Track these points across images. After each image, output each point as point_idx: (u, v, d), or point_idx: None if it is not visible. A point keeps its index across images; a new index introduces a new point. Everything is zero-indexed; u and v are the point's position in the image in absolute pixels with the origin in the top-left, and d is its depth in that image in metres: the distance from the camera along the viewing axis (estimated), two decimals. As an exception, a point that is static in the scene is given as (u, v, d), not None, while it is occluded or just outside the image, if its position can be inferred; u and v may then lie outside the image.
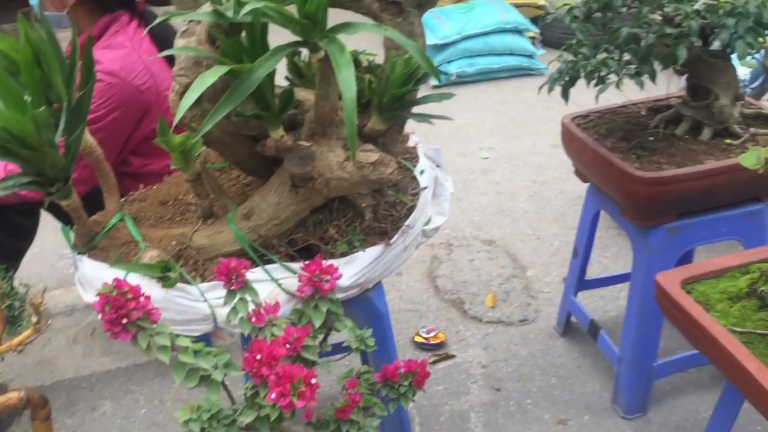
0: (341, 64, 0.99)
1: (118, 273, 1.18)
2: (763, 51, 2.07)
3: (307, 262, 1.11)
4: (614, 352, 1.98)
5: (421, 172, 1.51)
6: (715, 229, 1.77)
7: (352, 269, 1.29)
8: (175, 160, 1.25)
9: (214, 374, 0.95)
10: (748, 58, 1.54)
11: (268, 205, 1.25)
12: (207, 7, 1.06)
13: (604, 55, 1.66)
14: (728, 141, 1.69)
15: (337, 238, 1.31)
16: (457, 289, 2.47)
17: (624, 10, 1.69)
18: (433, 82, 3.87)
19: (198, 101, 1.08)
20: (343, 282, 1.25)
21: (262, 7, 0.97)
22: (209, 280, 1.22)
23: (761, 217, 1.78)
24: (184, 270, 1.23)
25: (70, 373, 2.20)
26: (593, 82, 1.65)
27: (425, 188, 1.48)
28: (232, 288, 1.02)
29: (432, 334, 2.24)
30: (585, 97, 1.67)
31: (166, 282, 1.16)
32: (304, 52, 1.28)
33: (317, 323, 1.09)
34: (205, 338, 1.38)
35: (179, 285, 1.20)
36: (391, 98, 1.27)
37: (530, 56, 4.07)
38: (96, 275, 1.24)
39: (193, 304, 1.20)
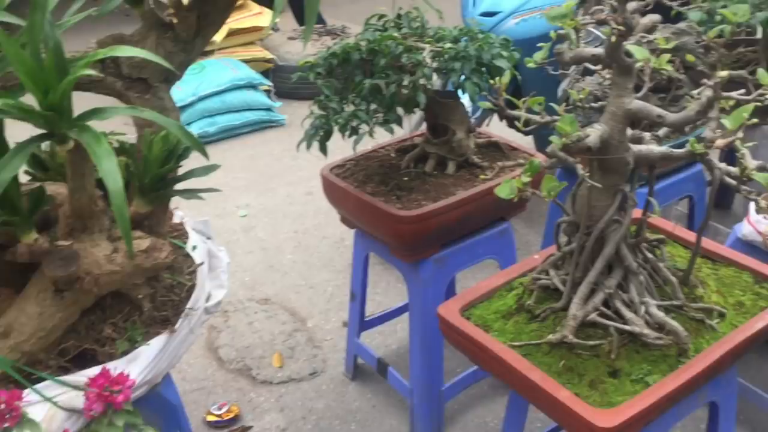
0: (100, 155, 0.91)
1: None
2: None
3: (93, 376, 0.99)
4: (405, 386, 2.05)
5: (194, 248, 1.45)
6: (474, 252, 1.92)
7: (137, 367, 1.19)
8: None
9: None
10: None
11: (29, 318, 1.11)
12: None
13: (353, 107, 1.73)
14: (483, 176, 1.83)
15: (115, 336, 1.20)
16: (241, 356, 2.39)
17: (362, 63, 1.78)
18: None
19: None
20: (131, 384, 1.14)
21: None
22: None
23: (508, 233, 1.98)
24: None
25: None
26: (347, 133, 1.71)
27: (201, 263, 1.42)
28: (7, 426, 0.88)
29: (224, 410, 2.14)
30: (332, 145, 1.73)
31: None
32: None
33: (114, 440, 0.98)
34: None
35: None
36: (152, 179, 1.20)
37: (268, 109, 4.13)
38: None
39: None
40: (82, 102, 1.05)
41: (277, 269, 2.84)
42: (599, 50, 1.31)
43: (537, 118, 1.30)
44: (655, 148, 1.36)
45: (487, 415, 2.14)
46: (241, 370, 2.33)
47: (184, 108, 3.89)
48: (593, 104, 1.60)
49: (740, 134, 1.14)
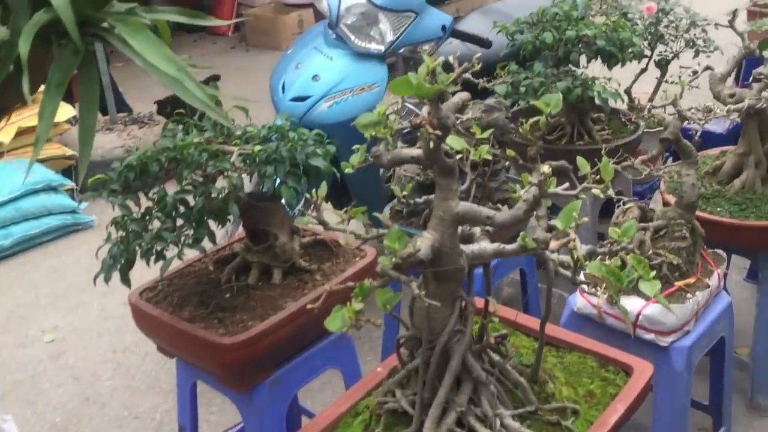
0: None
1: None
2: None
3: None
4: None
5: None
6: (312, 366, 1.76)
7: None
8: None
9: None
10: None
11: None
12: None
13: (158, 225, 1.53)
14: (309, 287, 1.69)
15: None
16: None
17: (163, 174, 1.59)
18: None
19: None
20: None
21: None
22: None
23: (347, 339, 1.83)
24: None
25: None
26: (153, 258, 1.50)
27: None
28: None
29: None
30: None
31: None
32: None
33: None
34: None
35: None
36: None
37: (73, 212, 3.75)
38: None
39: None
40: None
41: (95, 401, 2.49)
42: (418, 151, 1.23)
43: (362, 233, 1.18)
44: (488, 247, 1.29)
45: None
46: None
47: (-31, 222, 3.44)
48: (417, 200, 1.52)
49: (573, 235, 1.09)
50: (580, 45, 2.34)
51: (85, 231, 3.82)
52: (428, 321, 1.24)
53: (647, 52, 2.87)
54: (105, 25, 1.01)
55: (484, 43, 2.69)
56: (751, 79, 2.05)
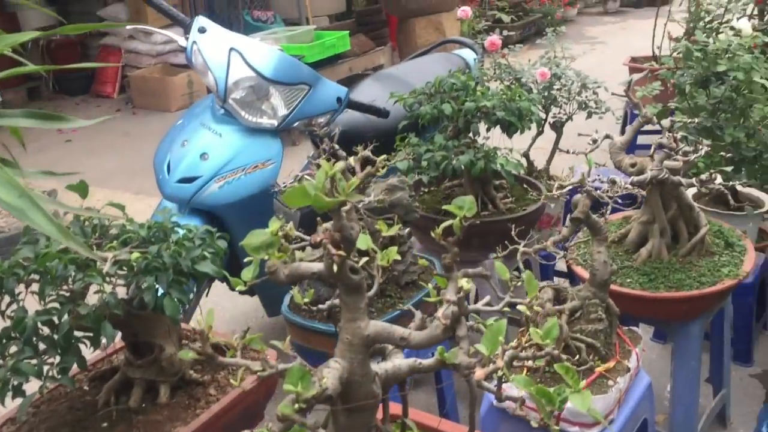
0: None
1: None
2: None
3: None
4: None
5: None
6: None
7: None
8: None
9: None
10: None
11: None
12: None
13: (16, 351, 1.30)
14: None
15: None
16: None
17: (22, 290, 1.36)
18: None
19: None
20: None
21: None
22: None
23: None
24: None
25: None
26: (9, 394, 1.27)
27: None
28: None
29: None
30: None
31: None
32: None
33: None
34: None
35: None
36: None
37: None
38: None
39: None
40: None
41: None
42: (319, 266, 1.08)
43: (258, 367, 1.01)
44: (402, 364, 1.15)
45: None
46: None
47: None
48: (320, 305, 1.36)
49: (501, 363, 0.96)
50: (479, 115, 2.28)
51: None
52: (341, 460, 1.08)
53: (542, 115, 2.87)
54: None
55: (382, 113, 2.60)
56: (652, 150, 2.04)
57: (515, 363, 1.11)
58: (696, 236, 2.15)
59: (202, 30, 2.34)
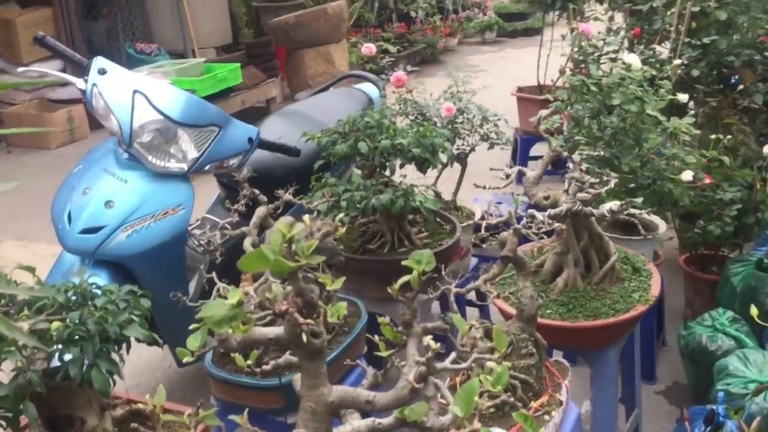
0: None
1: None
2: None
3: None
4: None
5: None
6: None
7: None
8: None
9: None
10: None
11: None
12: None
13: None
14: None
15: None
16: None
17: None
18: None
19: None
20: None
21: None
22: None
23: None
24: None
25: None
26: None
27: None
28: None
29: None
30: None
31: None
32: None
33: None
34: None
35: None
36: None
37: None
38: None
39: None
40: None
41: None
42: (277, 331, 1.02)
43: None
44: (361, 425, 1.10)
45: None
46: None
47: None
48: (264, 366, 1.29)
49: (477, 425, 0.94)
50: (395, 152, 2.28)
51: None
52: None
53: (454, 150, 2.92)
54: None
55: (293, 152, 2.55)
56: (566, 184, 2.11)
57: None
58: (607, 264, 2.24)
59: (102, 71, 2.21)
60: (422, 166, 2.40)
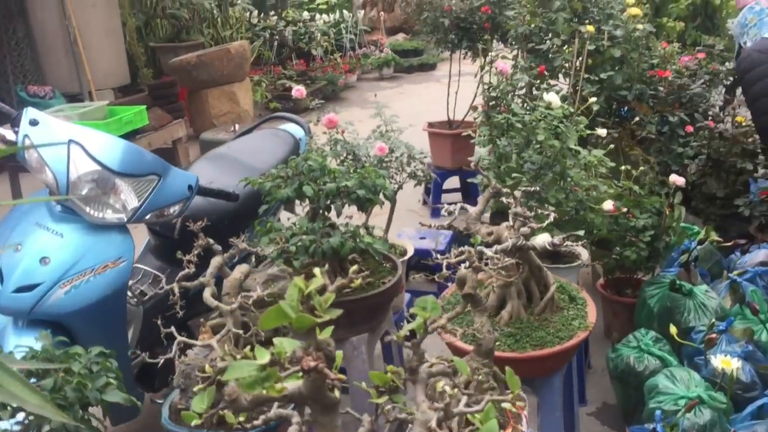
0: None
1: None
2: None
3: None
4: None
5: None
6: None
7: None
8: None
9: None
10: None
11: None
12: None
13: None
14: None
15: None
16: None
17: None
18: None
19: None
20: None
21: None
22: None
23: None
24: None
25: None
26: None
27: None
28: None
29: None
30: None
31: None
32: None
33: None
34: None
35: None
36: None
37: None
38: None
39: None
40: None
41: None
42: (295, 385, 1.01)
43: None
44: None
45: None
46: None
47: None
48: (255, 422, 1.26)
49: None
50: (340, 195, 2.30)
51: None
52: None
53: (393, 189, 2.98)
54: None
55: (231, 197, 2.52)
56: (511, 220, 2.19)
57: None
58: (547, 294, 2.34)
59: (33, 123, 2.11)
60: (363, 206, 2.43)
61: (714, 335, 2.68)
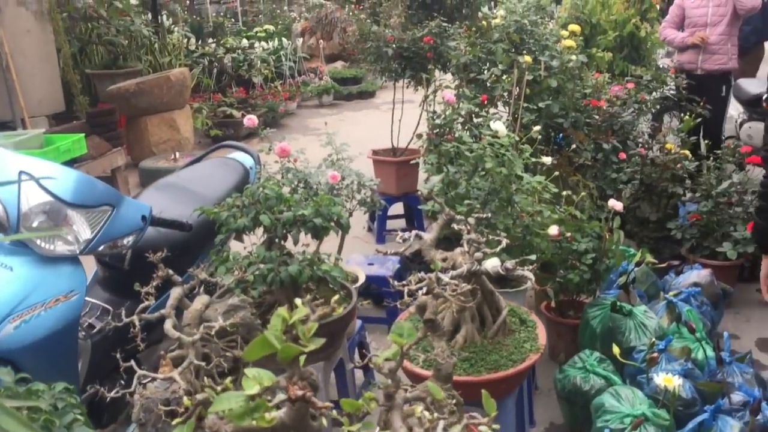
0: None
1: None
2: None
3: None
4: None
5: None
6: None
7: None
8: None
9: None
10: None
11: None
12: None
13: None
14: None
15: None
16: None
17: None
18: None
19: None
20: None
21: None
22: None
23: None
24: None
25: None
26: None
27: None
28: None
29: None
30: None
31: None
32: None
33: None
34: None
35: None
36: None
37: None
38: None
39: None
40: None
41: None
42: (277, 415, 1.03)
43: None
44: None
45: None
46: None
47: None
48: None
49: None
50: (297, 224, 2.32)
51: None
52: None
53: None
54: None
55: (185, 228, 2.50)
56: (466, 246, 2.25)
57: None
58: (499, 318, 2.40)
59: (-23, 154, 2.07)
60: (318, 234, 2.45)
61: (655, 354, 2.79)
